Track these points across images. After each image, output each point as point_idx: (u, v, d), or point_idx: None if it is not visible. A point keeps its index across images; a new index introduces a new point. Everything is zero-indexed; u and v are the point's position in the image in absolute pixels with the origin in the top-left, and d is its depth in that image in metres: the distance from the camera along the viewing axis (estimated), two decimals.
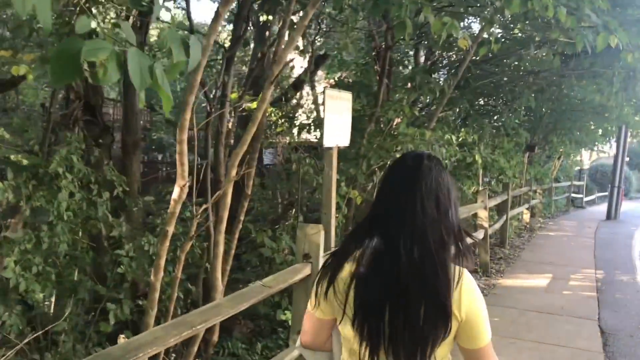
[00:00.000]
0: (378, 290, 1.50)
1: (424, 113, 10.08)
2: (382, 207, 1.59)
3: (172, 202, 2.74)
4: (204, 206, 2.95)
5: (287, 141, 8.07)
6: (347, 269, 1.57)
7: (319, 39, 9.03)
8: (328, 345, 1.73)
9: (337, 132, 4.22)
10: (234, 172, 2.98)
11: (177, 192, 2.74)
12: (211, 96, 5.18)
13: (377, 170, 6.42)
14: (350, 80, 7.88)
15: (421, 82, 6.73)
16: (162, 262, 2.78)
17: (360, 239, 1.59)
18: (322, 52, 8.45)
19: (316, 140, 10.07)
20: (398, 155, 6.00)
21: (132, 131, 7.29)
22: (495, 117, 12.74)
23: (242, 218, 4.66)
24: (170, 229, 2.72)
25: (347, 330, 1.59)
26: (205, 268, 4.31)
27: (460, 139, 7.09)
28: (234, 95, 6.07)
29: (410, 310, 1.46)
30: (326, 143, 4.05)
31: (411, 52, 10.59)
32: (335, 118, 4.17)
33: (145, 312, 2.85)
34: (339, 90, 4.31)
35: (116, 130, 8.30)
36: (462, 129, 7.20)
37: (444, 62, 10.72)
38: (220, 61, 5.72)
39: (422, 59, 10.23)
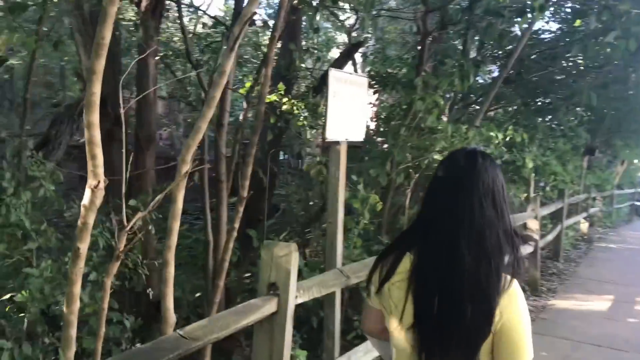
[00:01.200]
0: (435, 293, 1.50)
1: (470, 110, 9.21)
2: (437, 208, 1.57)
3: (82, 210, 2.04)
4: (139, 215, 2.23)
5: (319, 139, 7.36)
6: (402, 269, 1.57)
7: (356, 28, 8.36)
8: (386, 335, 1.70)
9: (346, 124, 3.44)
10: (184, 168, 2.24)
11: (87, 196, 2.03)
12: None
13: (411, 172, 5.61)
14: (385, 72, 7.07)
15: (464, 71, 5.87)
16: (77, 290, 2.09)
17: (411, 240, 1.60)
18: (355, 41, 7.64)
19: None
20: (436, 155, 5.05)
21: (145, 124, 6.66)
22: (550, 116, 11.60)
23: (236, 225, 3.93)
24: (83, 246, 2.02)
25: (396, 330, 1.60)
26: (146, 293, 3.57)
27: (507, 138, 6.16)
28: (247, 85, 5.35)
29: (461, 313, 1.46)
30: (329, 135, 3.28)
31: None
32: (343, 106, 3.39)
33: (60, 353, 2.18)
34: (349, 72, 3.51)
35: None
36: (510, 127, 6.26)
37: (497, 54, 9.78)
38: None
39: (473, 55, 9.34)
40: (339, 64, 7.21)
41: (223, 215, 4.75)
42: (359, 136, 3.63)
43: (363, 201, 4.65)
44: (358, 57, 10.67)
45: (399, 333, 1.59)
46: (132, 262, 4.11)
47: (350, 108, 3.47)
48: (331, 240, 3.49)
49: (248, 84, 5.90)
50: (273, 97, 5.93)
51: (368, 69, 10.65)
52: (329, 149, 3.55)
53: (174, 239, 2.38)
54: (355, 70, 10.36)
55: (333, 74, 3.29)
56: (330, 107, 3.25)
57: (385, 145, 5.24)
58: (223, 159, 4.58)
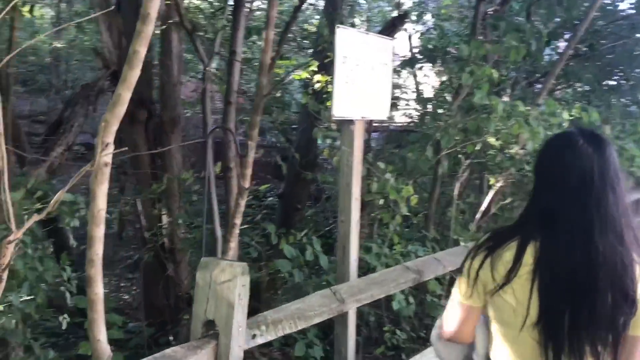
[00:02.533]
0: (566, 284, 1.45)
1: (535, 89, 8.22)
2: (563, 197, 1.49)
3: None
4: (33, 218, 1.65)
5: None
6: (525, 261, 1.48)
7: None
8: (472, 337, 1.67)
9: (362, 98, 2.73)
10: (103, 153, 1.62)
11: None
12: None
13: (461, 158, 4.82)
14: (432, 46, 6.25)
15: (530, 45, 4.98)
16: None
17: (528, 231, 1.52)
18: (400, 12, 6.83)
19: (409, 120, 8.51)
20: (490, 139, 4.18)
21: (169, 106, 6.13)
22: (630, 97, 10.33)
23: (237, 221, 3.32)
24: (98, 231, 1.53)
25: (517, 328, 1.51)
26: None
27: (573, 118, 5.24)
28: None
29: (599, 303, 1.42)
30: (336, 112, 2.58)
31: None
32: (358, 75, 2.67)
33: None
34: (367, 32, 2.79)
35: None
36: (577, 105, 5.34)
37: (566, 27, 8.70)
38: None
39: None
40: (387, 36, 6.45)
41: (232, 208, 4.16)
42: (381, 113, 2.92)
43: (399, 191, 3.93)
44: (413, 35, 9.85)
45: (519, 331, 1.51)
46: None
47: (367, 77, 2.76)
48: (343, 244, 2.81)
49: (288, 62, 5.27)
50: (304, 75, 5.24)
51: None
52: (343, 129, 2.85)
53: (96, 249, 1.77)
54: (411, 48, 9.53)
55: (341, 33, 2.57)
56: (338, 77, 2.55)
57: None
58: (232, 142, 3.98)
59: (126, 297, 8.95)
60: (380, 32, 6.54)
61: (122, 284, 9.67)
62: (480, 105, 3.90)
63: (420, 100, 4.97)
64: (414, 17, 9.61)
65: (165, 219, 5.61)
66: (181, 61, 6.03)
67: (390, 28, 6.44)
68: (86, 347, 4.14)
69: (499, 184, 4.79)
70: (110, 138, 1.66)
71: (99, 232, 1.75)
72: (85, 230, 1.74)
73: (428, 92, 8.35)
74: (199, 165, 5.32)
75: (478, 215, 5.26)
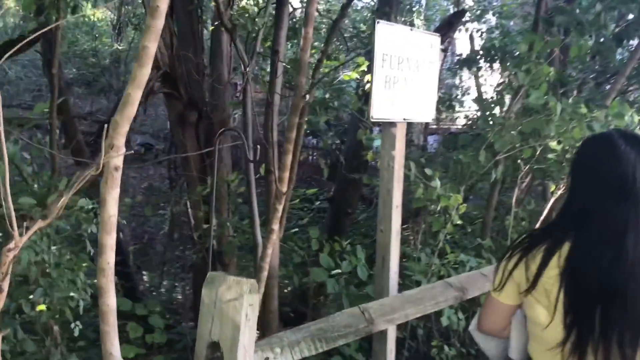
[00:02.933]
0: (595, 286, 1.45)
1: (604, 90, 7.73)
2: (599, 201, 1.48)
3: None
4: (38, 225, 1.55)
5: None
6: (555, 262, 1.50)
7: None
8: (506, 332, 1.72)
9: (404, 99, 2.54)
10: (112, 156, 1.51)
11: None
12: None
13: (520, 163, 4.52)
14: (493, 45, 5.91)
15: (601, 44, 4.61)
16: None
17: (561, 233, 1.52)
18: (458, 9, 6.54)
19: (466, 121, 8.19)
20: (552, 143, 3.90)
21: (219, 107, 6.12)
22: None
23: (274, 227, 3.20)
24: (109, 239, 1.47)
25: (543, 324, 1.54)
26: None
27: None
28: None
29: (628, 303, 1.43)
30: (375, 114, 2.41)
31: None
32: (400, 74, 2.49)
33: None
34: (411, 28, 2.59)
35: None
36: None
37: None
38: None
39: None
40: (444, 36, 6.20)
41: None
42: (425, 115, 2.73)
43: (448, 198, 3.70)
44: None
45: (546, 327, 1.54)
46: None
47: (411, 76, 2.57)
48: (382, 255, 2.63)
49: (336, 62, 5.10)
50: (353, 75, 5.08)
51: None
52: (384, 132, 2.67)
53: (107, 258, 1.67)
54: (472, 47, 9.19)
55: (382, 28, 2.39)
56: (377, 76, 2.37)
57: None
58: (273, 144, 3.85)
59: (179, 297, 9.04)
60: (437, 31, 6.31)
61: (176, 284, 9.79)
62: (539, 106, 3.61)
63: (476, 101, 4.69)
64: (475, 15, 9.27)
65: (213, 221, 5.60)
66: (231, 62, 5.99)
67: (446, 26, 6.21)
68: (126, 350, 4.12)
69: (560, 191, 4.47)
70: (121, 140, 1.55)
71: (110, 239, 1.65)
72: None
73: (490, 94, 8.03)
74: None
75: (538, 224, 4.94)
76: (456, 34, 9.41)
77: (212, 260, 5.40)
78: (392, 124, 2.55)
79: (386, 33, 2.40)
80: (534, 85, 3.64)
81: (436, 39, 2.70)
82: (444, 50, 7.77)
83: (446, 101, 5.07)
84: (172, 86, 5.70)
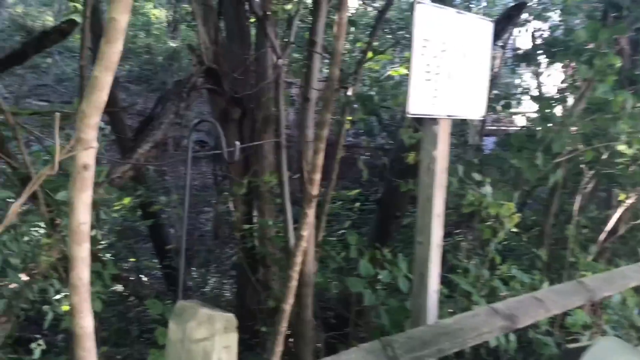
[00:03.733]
0: None
1: None
2: None
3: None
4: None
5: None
6: None
7: None
8: None
9: (448, 92, 2.21)
10: (81, 153, 1.27)
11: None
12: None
13: (583, 167, 4.08)
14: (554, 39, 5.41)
15: None
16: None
17: None
18: (517, 1, 6.08)
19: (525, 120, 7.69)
20: (621, 145, 3.51)
21: (263, 105, 5.92)
22: None
23: (304, 233, 2.91)
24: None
25: None
26: None
27: None
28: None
29: None
30: (412, 109, 2.08)
31: None
32: (442, 63, 2.15)
33: None
34: (457, 11, 2.24)
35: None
36: None
37: None
38: None
39: None
40: (496, 31, 5.77)
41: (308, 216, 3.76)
42: (474, 111, 2.38)
43: (499, 206, 3.31)
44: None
45: None
46: None
47: (457, 67, 2.23)
48: (420, 271, 2.30)
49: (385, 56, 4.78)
50: (402, 70, 4.73)
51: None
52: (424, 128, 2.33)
53: (79, 273, 1.41)
54: (534, 45, 8.65)
55: (422, 10, 2.06)
56: (416, 65, 2.05)
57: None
58: (309, 143, 3.57)
59: (228, 294, 8.93)
60: (495, 25, 5.87)
61: (224, 281, 9.71)
62: (604, 104, 3.17)
63: (533, 98, 4.27)
64: (537, 13, 8.73)
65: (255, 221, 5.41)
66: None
67: (505, 20, 5.76)
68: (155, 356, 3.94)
69: (630, 201, 3.99)
70: (89, 133, 1.30)
71: (81, 251, 1.40)
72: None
73: (552, 93, 7.49)
74: (296, 166, 5.00)
75: (602, 236, 4.47)
76: (517, 32, 8.90)
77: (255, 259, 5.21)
78: (434, 121, 2.22)
79: (428, 15, 2.07)
80: (600, 79, 3.20)
81: (488, 24, 2.35)
82: (503, 46, 7.31)
83: (502, 99, 4.64)
84: (215, 82, 5.52)
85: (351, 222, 7.31)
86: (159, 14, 12.14)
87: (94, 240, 4.01)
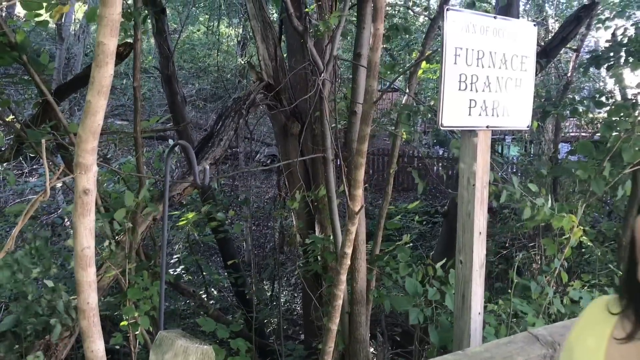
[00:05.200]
0: None
1: None
2: None
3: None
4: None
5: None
6: None
7: None
8: None
9: (486, 101, 2.08)
10: (82, 169, 1.27)
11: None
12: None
13: None
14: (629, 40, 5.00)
15: None
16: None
17: None
18: (588, 1, 5.75)
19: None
20: None
21: (318, 118, 5.92)
22: None
23: (347, 251, 2.86)
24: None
25: None
26: None
27: None
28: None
29: None
30: (445, 120, 1.97)
31: None
32: (477, 71, 2.03)
33: None
34: (493, 16, 2.11)
35: None
36: None
37: None
38: None
39: None
40: (564, 34, 5.48)
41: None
42: (518, 121, 2.22)
43: (561, 219, 3.09)
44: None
45: None
46: None
47: (496, 74, 2.09)
48: (462, 292, 2.16)
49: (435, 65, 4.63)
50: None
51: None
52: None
53: (86, 297, 1.41)
54: (608, 47, 8.16)
55: (453, 17, 1.94)
56: (448, 74, 1.93)
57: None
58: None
59: (299, 308, 8.95)
60: (563, 27, 5.58)
61: (295, 295, 9.74)
62: None
63: (597, 104, 3.98)
64: (617, 11, 8.23)
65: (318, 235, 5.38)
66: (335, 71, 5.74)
67: (574, 22, 5.46)
68: None
69: None
70: (87, 158, 1.29)
71: (86, 275, 1.39)
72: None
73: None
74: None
75: None
76: (597, 32, 8.43)
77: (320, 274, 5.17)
78: (472, 133, 2.09)
79: (459, 22, 1.96)
80: None
81: (532, 28, 2.20)
82: (576, 50, 6.93)
83: (570, 105, 4.37)
84: (275, 98, 5.56)
85: (416, 235, 7.13)
86: (230, 32, 12.45)
87: (152, 257, 4.11)
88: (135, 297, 3.18)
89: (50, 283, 2.57)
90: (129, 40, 3.64)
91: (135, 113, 3.65)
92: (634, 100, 3.82)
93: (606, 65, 4.10)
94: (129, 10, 3.12)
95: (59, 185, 6.54)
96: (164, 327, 3.10)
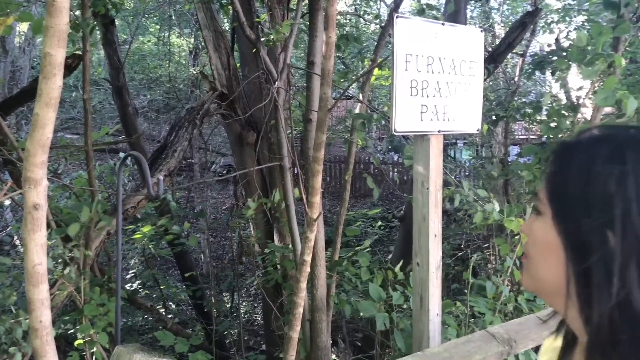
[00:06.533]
0: None
1: None
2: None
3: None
4: None
5: None
6: None
7: None
8: None
9: (437, 106, 2.12)
10: (31, 184, 1.24)
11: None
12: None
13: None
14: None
15: None
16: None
17: None
18: (531, 8, 5.95)
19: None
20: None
21: (274, 127, 5.91)
22: None
23: (307, 259, 2.86)
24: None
25: None
26: None
27: None
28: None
29: None
30: (398, 126, 2.00)
31: None
32: (428, 77, 2.07)
33: None
34: (442, 23, 2.16)
35: None
36: None
37: None
38: None
39: None
40: (510, 39, 5.65)
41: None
42: (468, 125, 2.28)
43: (511, 221, 3.17)
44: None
45: None
46: None
47: (446, 80, 2.14)
48: (420, 294, 2.20)
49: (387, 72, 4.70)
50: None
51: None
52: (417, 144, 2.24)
53: (38, 315, 1.37)
54: (548, 52, 8.46)
55: (402, 24, 1.98)
56: (400, 80, 1.97)
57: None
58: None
59: (260, 318, 8.88)
60: (509, 33, 5.75)
61: (255, 305, 9.67)
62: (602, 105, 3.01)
63: (534, 107, 4.12)
64: (560, 16, 8.54)
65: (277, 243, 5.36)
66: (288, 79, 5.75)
67: (519, 27, 5.63)
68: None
69: None
70: (37, 172, 1.26)
71: (38, 293, 1.35)
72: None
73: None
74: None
75: None
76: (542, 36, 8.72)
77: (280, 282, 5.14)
78: (425, 137, 2.13)
79: (409, 29, 2.00)
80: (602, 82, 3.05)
81: (479, 34, 2.26)
82: (522, 55, 7.15)
83: (519, 109, 4.50)
84: (229, 107, 5.52)
85: (374, 240, 7.19)
86: (181, 42, 12.34)
87: (107, 272, 4.02)
88: (91, 314, 3.11)
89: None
90: (78, 52, 3.58)
91: (86, 126, 3.58)
92: (576, 103, 3.97)
93: (550, 69, 4.24)
94: (76, 22, 3.06)
95: (7, 202, 6.33)
96: (121, 343, 3.03)
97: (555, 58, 4.73)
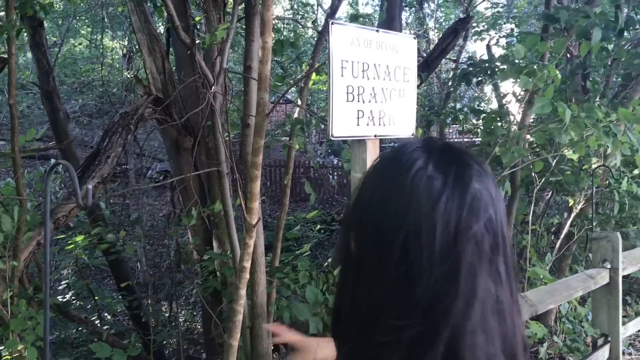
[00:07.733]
0: None
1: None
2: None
3: None
4: None
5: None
6: None
7: None
8: None
9: (373, 111, 2.15)
10: None
11: None
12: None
13: (534, 176, 4.07)
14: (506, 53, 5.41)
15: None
16: None
17: None
18: (463, 15, 6.14)
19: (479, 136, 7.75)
20: (567, 152, 3.54)
21: (215, 132, 5.81)
22: None
23: (246, 265, 2.85)
24: None
25: None
26: None
27: None
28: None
29: None
30: (335, 131, 2.02)
31: None
32: (364, 83, 2.10)
33: None
34: (376, 30, 2.20)
35: None
36: None
37: None
38: None
39: None
40: (443, 45, 5.81)
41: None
42: (403, 130, 2.32)
43: None
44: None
45: None
46: None
47: (381, 86, 2.18)
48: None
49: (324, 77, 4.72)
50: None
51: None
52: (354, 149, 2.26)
53: None
54: (491, 56, 8.76)
55: (338, 30, 2.01)
56: (336, 86, 1.99)
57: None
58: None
59: (200, 327, 8.71)
60: (441, 40, 5.92)
61: (194, 313, 9.48)
62: (552, 114, 3.17)
63: (474, 112, 4.27)
64: (490, 24, 8.82)
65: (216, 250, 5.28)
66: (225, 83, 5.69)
67: (451, 34, 5.80)
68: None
69: (580, 205, 4.00)
70: None
71: None
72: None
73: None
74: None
75: (559, 243, 4.47)
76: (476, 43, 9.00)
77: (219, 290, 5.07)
78: (361, 142, 2.16)
79: (344, 35, 2.02)
80: (538, 91, 3.20)
81: (412, 41, 2.32)
82: (455, 61, 7.37)
83: (451, 113, 4.64)
84: (164, 112, 5.39)
85: (314, 244, 7.21)
86: (114, 45, 12.02)
87: (37, 284, 3.86)
88: (19, 328, 2.97)
89: None
90: (3, 55, 3.42)
91: (13, 132, 3.42)
92: (508, 108, 4.13)
93: (475, 80, 4.38)
94: (0, 24, 2.93)
95: None
96: (54, 358, 2.91)
97: (478, 70, 4.91)
